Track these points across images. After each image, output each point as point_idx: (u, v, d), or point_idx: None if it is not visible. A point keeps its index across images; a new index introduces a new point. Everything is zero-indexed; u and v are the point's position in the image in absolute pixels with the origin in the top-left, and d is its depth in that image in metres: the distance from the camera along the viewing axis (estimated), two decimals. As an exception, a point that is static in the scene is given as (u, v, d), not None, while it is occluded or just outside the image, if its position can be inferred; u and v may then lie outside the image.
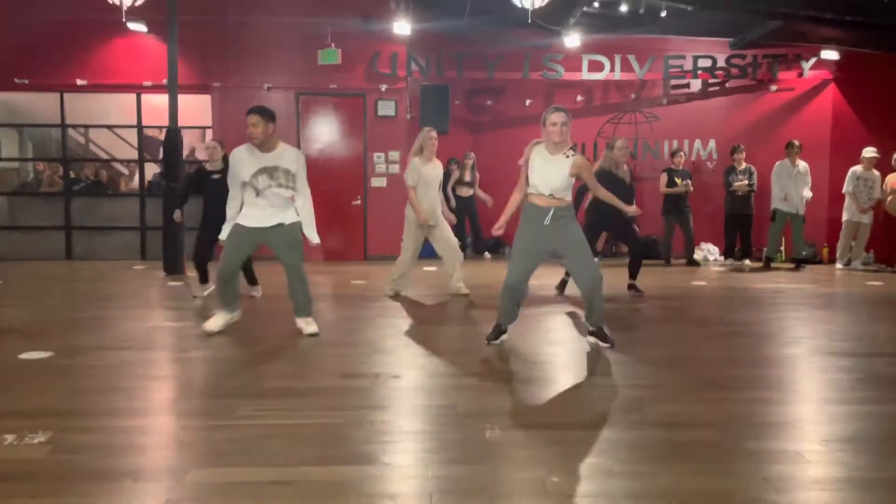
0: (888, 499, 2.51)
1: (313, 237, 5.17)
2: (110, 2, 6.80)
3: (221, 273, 5.16)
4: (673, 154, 10.85)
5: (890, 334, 5.66)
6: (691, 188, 10.51)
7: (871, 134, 10.77)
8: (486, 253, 11.30)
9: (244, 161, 4.98)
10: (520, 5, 6.96)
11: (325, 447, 2.99)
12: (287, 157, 5.03)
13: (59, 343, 4.90)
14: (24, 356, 4.50)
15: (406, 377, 4.11)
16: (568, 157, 4.60)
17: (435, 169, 6.93)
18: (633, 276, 7.41)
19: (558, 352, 4.86)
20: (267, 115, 4.92)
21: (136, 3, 6.88)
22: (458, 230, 11.39)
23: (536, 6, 6.95)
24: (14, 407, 3.54)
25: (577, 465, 2.77)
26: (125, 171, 12.26)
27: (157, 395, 3.90)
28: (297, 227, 5.11)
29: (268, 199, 5.00)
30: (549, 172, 4.59)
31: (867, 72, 10.85)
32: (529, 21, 7.25)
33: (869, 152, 10.06)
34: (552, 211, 4.61)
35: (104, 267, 9.82)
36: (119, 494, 2.52)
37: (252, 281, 7.02)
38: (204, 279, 6.97)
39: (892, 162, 9.72)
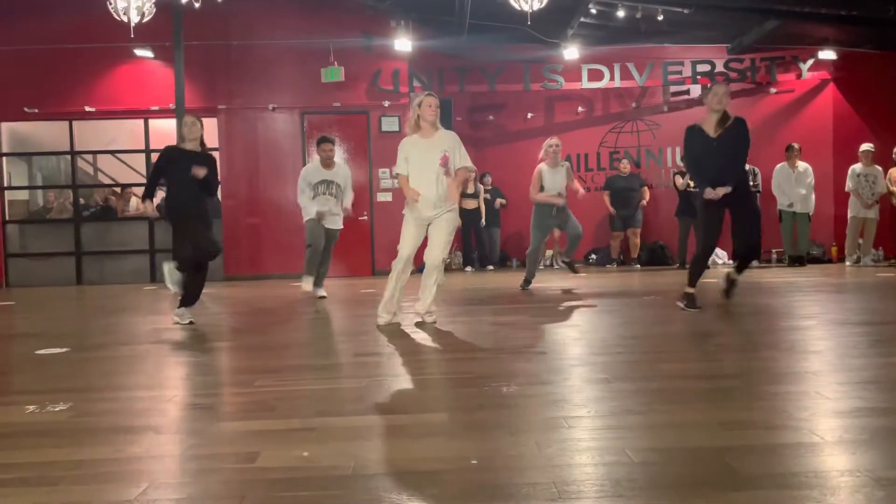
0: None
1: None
2: (118, 18, 6.90)
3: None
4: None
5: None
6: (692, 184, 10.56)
7: (872, 131, 10.86)
8: (490, 266, 11.36)
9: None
10: (518, 8, 7.07)
11: (343, 403, 2.99)
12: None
13: (74, 342, 4.94)
14: (40, 352, 4.52)
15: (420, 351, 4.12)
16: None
17: (434, 145, 4.99)
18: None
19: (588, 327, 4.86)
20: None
21: (144, 21, 6.98)
22: (464, 243, 11.54)
23: (535, 9, 7.04)
24: (33, 387, 3.56)
25: (610, 406, 2.77)
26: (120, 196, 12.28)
27: (175, 374, 3.91)
28: None
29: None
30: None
31: (865, 70, 10.96)
32: (529, 23, 7.36)
33: (865, 147, 10.10)
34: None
35: (115, 289, 9.87)
36: (141, 443, 2.52)
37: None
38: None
39: (893, 155, 9.77)
